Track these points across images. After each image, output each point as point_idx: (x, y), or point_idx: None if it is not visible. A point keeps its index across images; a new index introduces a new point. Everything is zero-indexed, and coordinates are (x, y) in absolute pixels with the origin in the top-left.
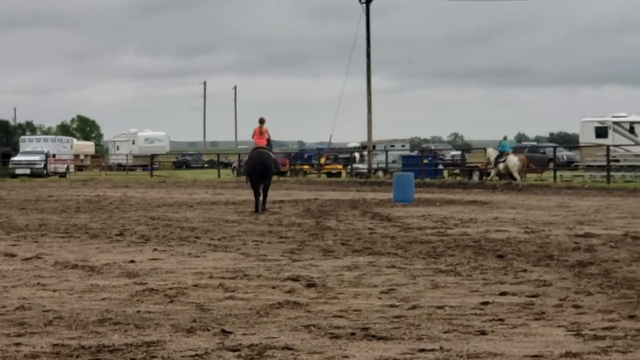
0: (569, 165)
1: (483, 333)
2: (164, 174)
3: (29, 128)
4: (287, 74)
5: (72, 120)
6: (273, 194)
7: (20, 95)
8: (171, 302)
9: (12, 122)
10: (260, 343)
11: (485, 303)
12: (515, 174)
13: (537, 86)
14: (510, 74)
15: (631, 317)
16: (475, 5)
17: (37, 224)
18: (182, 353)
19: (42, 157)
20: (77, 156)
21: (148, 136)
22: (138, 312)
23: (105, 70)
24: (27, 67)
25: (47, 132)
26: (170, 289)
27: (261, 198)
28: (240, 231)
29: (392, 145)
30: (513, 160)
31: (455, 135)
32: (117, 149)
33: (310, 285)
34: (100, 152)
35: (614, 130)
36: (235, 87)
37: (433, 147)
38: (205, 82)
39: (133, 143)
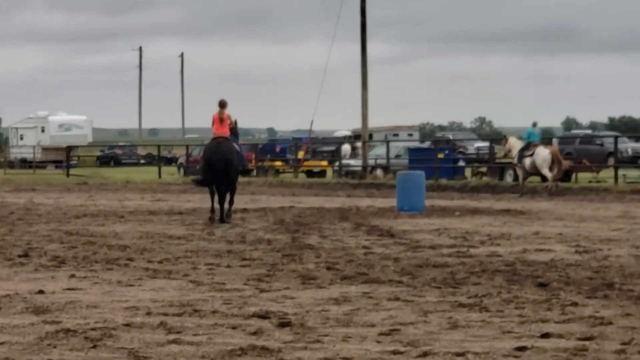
0: (635, 161)
1: None
2: (85, 172)
3: None
4: (251, 37)
5: None
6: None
7: None
8: (94, 347)
9: None
10: None
11: (522, 348)
12: (546, 172)
13: (589, 53)
14: (552, 38)
15: None
16: None
17: None
18: None
19: None
20: None
21: (63, 121)
22: None
23: (3, 31)
24: None
25: None
26: (93, 329)
27: (226, 205)
28: (188, 251)
29: (396, 135)
30: (543, 154)
31: (481, 120)
32: (21, 138)
33: (284, 324)
34: None
35: None
36: (181, 55)
37: (451, 137)
38: (140, 48)
39: (42, 131)
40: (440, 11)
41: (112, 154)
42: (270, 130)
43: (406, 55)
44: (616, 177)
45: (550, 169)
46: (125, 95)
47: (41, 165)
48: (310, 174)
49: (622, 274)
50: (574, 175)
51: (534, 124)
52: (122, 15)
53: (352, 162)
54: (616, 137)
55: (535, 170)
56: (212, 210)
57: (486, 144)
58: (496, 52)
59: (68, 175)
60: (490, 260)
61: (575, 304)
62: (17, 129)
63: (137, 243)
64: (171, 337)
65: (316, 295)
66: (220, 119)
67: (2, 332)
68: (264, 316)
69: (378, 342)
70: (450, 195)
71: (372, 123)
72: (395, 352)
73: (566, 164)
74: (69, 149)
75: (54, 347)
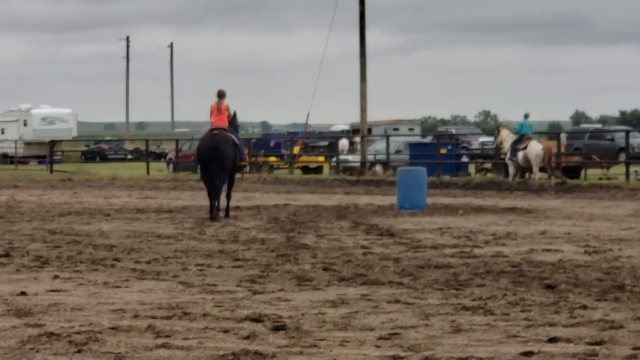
0: None
1: None
2: (70, 168)
3: None
4: (245, 26)
5: None
6: None
7: None
8: (79, 352)
9: None
10: None
11: (529, 353)
12: (536, 170)
13: (599, 44)
14: (561, 27)
15: None
16: None
17: None
18: None
19: None
20: None
21: (46, 115)
22: None
23: None
24: None
25: None
26: (78, 333)
27: (223, 203)
28: (178, 251)
29: (396, 129)
30: (536, 149)
31: (486, 114)
32: (2, 132)
33: (279, 328)
34: None
35: None
36: (171, 45)
37: (454, 132)
38: (127, 38)
39: (25, 125)
40: None
41: (97, 148)
42: (264, 124)
43: (407, 45)
44: (627, 174)
45: (542, 165)
46: (112, 87)
47: (23, 160)
48: (306, 170)
49: (633, 276)
50: (583, 172)
51: (526, 115)
52: (108, 3)
53: (350, 157)
54: (627, 132)
55: (528, 165)
56: (212, 205)
57: (491, 138)
58: (502, 42)
59: (52, 171)
60: (495, 260)
61: (584, 307)
62: None
63: (124, 242)
64: (160, 341)
65: (312, 297)
66: (217, 109)
67: None
68: (257, 319)
69: (377, 346)
70: (453, 192)
71: (371, 117)
72: (395, 357)
73: (574, 159)
74: (53, 143)
75: (37, 351)
